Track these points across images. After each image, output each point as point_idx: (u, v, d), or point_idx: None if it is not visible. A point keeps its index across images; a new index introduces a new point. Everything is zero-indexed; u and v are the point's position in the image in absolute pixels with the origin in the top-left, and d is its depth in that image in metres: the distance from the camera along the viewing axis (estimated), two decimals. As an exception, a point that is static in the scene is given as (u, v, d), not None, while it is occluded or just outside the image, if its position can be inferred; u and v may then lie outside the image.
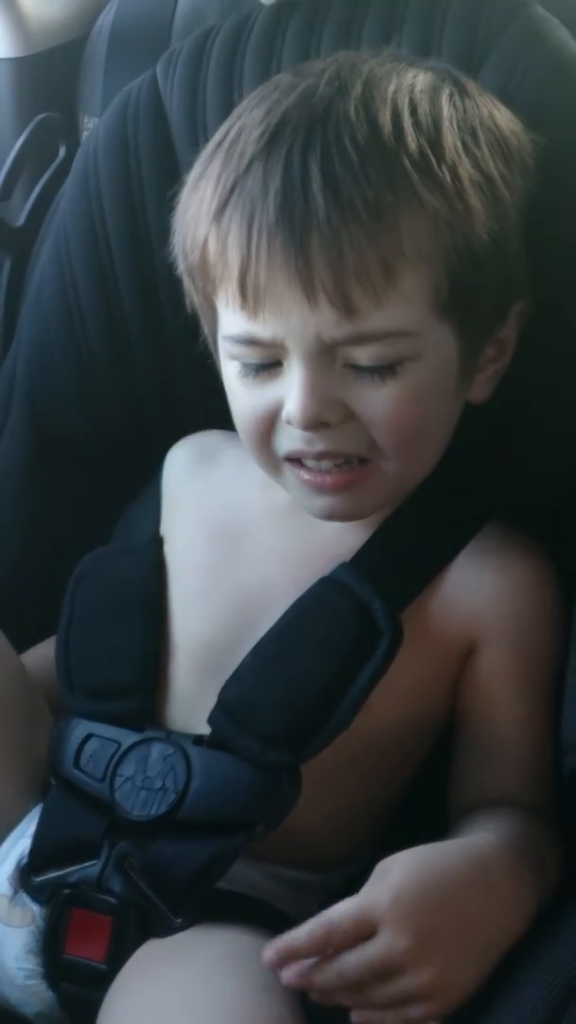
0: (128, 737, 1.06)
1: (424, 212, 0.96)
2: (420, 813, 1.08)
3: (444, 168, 0.97)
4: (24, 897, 1.05)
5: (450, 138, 0.99)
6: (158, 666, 1.09)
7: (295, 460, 1.03)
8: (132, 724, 1.07)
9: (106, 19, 1.35)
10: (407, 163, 0.97)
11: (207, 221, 1.01)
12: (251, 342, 1.00)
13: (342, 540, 1.08)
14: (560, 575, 1.09)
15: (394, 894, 0.89)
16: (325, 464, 1.02)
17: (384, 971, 0.88)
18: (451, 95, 1.01)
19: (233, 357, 1.03)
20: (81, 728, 1.08)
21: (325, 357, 0.98)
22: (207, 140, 1.07)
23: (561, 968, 0.90)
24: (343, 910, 0.89)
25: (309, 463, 1.02)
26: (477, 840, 0.97)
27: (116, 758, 1.05)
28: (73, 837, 1.04)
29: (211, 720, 1.04)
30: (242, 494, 1.13)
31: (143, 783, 1.03)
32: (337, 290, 0.96)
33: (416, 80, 1.01)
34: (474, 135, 1.00)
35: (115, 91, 1.24)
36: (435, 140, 0.98)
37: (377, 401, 0.99)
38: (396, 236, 0.96)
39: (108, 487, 1.23)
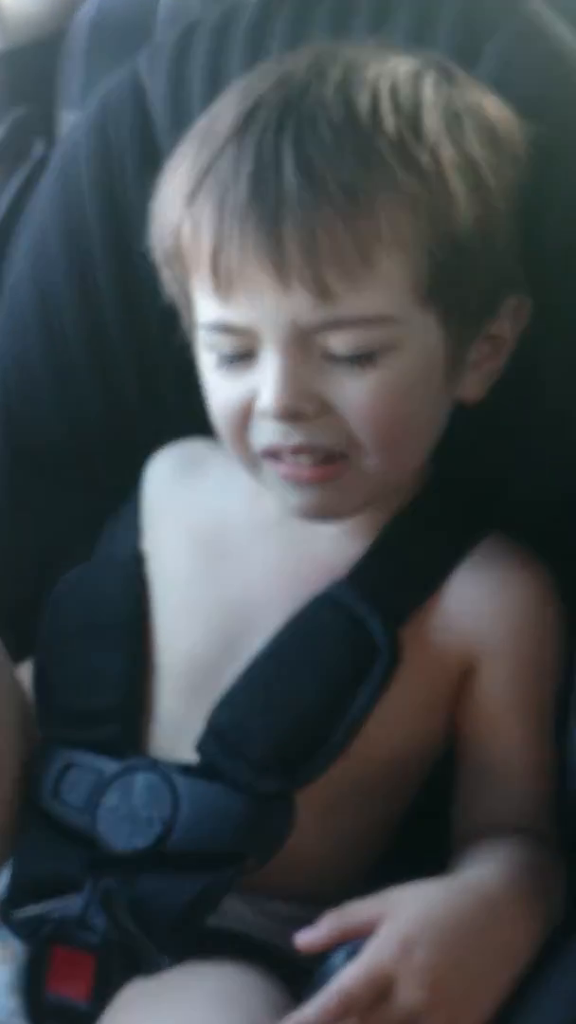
0: (110, 766, 1.02)
1: (401, 195, 0.95)
2: (419, 841, 1.06)
3: (423, 151, 0.95)
4: (5, 932, 1.02)
5: (431, 121, 0.97)
6: (142, 688, 1.06)
7: (272, 455, 1.00)
8: (114, 751, 1.03)
9: (87, 11, 1.34)
10: (384, 145, 0.95)
11: (180, 205, 0.99)
12: (225, 329, 0.98)
13: (337, 551, 1.05)
14: (560, 590, 1.06)
15: (404, 944, 0.88)
16: (303, 458, 0.99)
17: (404, 1020, 0.87)
18: (436, 80, 1.00)
19: (209, 347, 1.01)
20: (60, 756, 1.04)
21: (301, 345, 0.96)
22: (192, 135, 1.06)
23: (569, 997, 0.89)
24: (354, 975, 0.87)
25: (286, 457, 1.00)
26: (483, 875, 0.95)
27: (98, 788, 1.02)
28: (53, 871, 1.01)
29: (200, 746, 1.01)
30: (230, 504, 1.10)
31: (127, 814, 1.00)
32: (311, 273, 0.94)
33: (399, 65, 0.99)
34: (458, 120, 0.98)
35: (96, 85, 1.23)
36: (415, 123, 0.96)
37: (355, 392, 0.97)
38: (372, 219, 0.94)
39: (90, 498, 1.19)
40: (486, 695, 1.03)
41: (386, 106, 0.96)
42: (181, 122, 1.13)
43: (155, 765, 1.02)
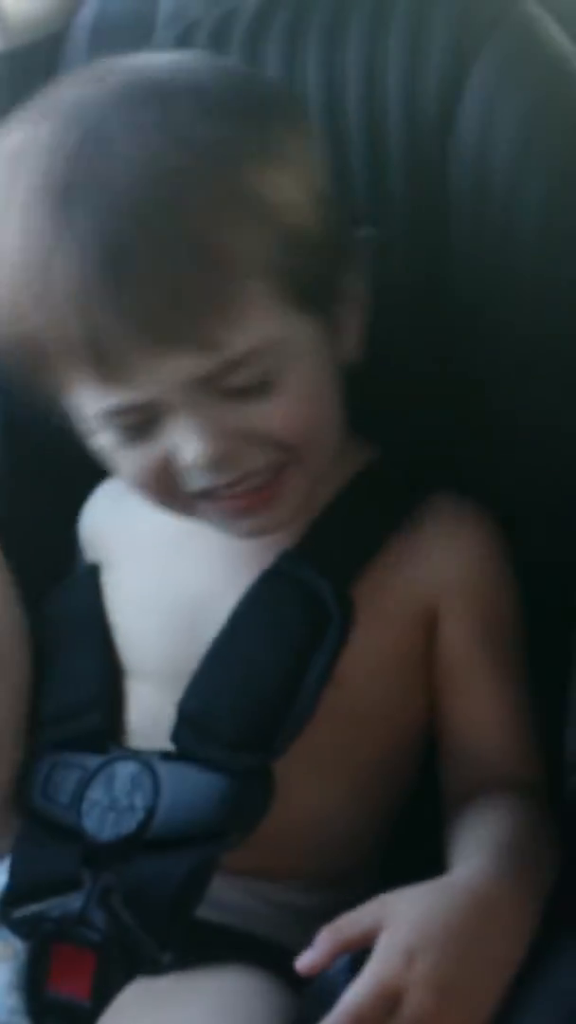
0: (93, 760, 1.04)
1: (246, 227, 0.94)
2: (423, 829, 1.06)
3: (247, 177, 0.95)
4: (6, 931, 1.03)
5: (238, 148, 0.95)
6: (117, 686, 1.08)
7: (208, 495, 1.00)
8: (96, 746, 1.05)
9: (88, 12, 1.33)
10: (210, 185, 0.93)
11: (27, 307, 0.95)
12: (123, 411, 0.97)
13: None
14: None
15: (407, 954, 0.87)
16: (240, 488, 0.99)
17: None
18: (223, 104, 0.97)
19: (105, 429, 0.99)
20: (47, 758, 1.07)
21: (204, 394, 0.95)
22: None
23: (565, 997, 0.89)
24: (362, 993, 0.87)
25: (222, 492, 0.99)
26: (475, 872, 0.95)
27: (82, 783, 1.04)
28: (48, 869, 1.03)
29: (174, 737, 1.03)
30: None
31: (109, 804, 1.02)
32: (192, 331, 0.93)
33: (177, 105, 0.96)
34: (263, 131, 0.97)
35: (96, 86, 1.21)
36: (224, 152, 0.95)
37: (271, 415, 0.97)
38: (226, 260, 0.93)
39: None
40: (453, 643, 1.05)
41: (182, 155, 0.94)
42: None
43: (136, 755, 1.04)
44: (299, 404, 0.98)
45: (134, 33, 1.29)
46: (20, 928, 1.02)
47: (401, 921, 0.89)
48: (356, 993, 0.87)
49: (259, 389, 0.97)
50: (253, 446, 0.98)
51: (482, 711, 1.05)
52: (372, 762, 1.06)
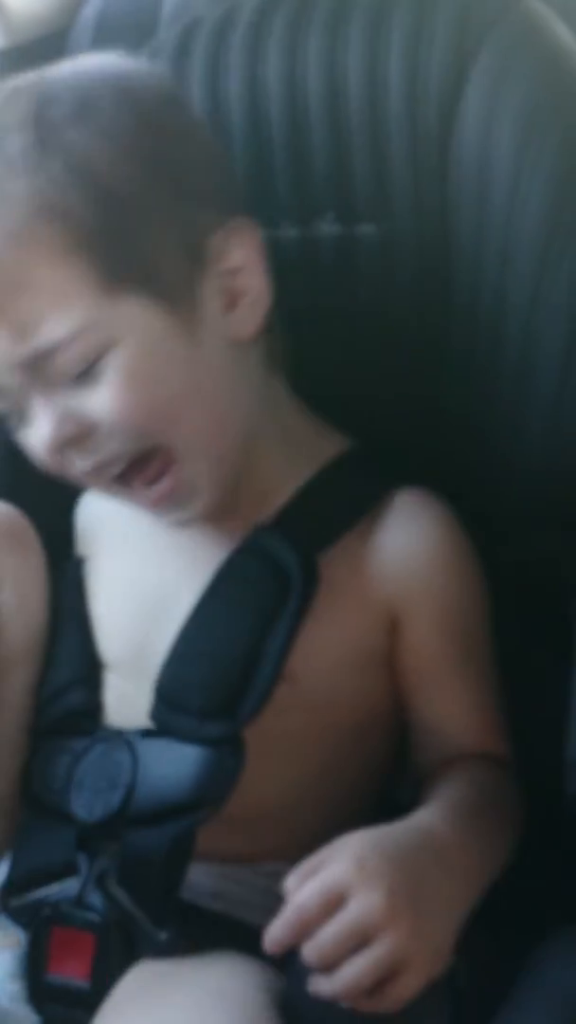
0: (79, 743, 1.06)
1: (39, 210, 0.95)
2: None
3: (44, 157, 0.96)
4: (7, 920, 1.04)
5: (45, 125, 0.98)
6: (97, 669, 1.09)
7: (119, 482, 1.02)
8: (83, 727, 1.07)
9: (91, 9, 1.33)
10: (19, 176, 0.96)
11: None
12: None
13: (255, 509, 1.07)
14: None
15: (357, 860, 0.89)
16: (147, 491, 1.01)
17: (362, 933, 0.87)
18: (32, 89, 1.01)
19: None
20: (44, 746, 1.08)
21: (41, 379, 0.97)
22: (192, 133, 1.05)
23: (565, 992, 0.90)
24: (309, 888, 0.88)
25: (118, 485, 1.02)
26: (430, 819, 0.97)
27: (71, 767, 1.05)
28: (45, 857, 1.04)
29: (152, 714, 1.04)
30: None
31: (95, 786, 1.03)
32: (4, 316, 0.95)
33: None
34: (70, 110, 0.99)
35: (99, 83, 1.21)
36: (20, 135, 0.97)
37: (101, 402, 0.98)
38: (21, 245, 0.95)
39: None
40: (414, 644, 1.06)
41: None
42: (181, 121, 1.15)
43: (118, 734, 1.05)
44: (127, 391, 0.98)
45: (137, 30, 1.29)
46: (20, 916, 1.03)
47: (353, 838, 0.91)
48: (302, 891, 0.88)
49: (88, 375, 0.97)
50: (102, 432, 0.99)
51: (449, 705, 1.07)
52: (339, 744, 1.07)
